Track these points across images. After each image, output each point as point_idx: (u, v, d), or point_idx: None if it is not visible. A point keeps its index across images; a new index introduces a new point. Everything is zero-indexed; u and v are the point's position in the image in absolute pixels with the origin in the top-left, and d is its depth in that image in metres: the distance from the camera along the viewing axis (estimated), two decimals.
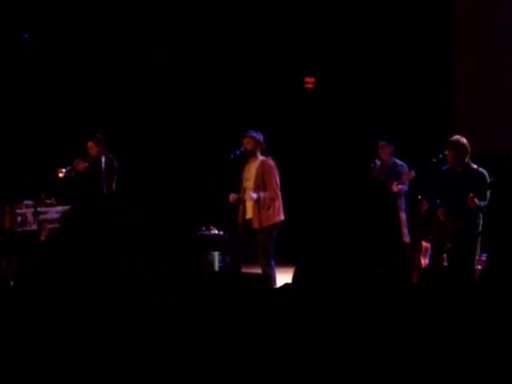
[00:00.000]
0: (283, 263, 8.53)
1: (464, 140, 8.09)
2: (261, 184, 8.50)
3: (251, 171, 8.60)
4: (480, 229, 8.05)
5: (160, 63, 12.07)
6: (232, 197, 8.64)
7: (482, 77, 10.68)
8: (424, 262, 8.72)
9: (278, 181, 8.58)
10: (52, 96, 11.53)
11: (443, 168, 8.23)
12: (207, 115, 11.73)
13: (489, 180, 8.01)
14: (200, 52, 11.93)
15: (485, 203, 7.91)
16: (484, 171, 8.06)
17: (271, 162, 8.58)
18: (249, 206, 8.56)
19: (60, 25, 11.60)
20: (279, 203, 8.59)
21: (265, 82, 11.68)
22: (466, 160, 8.08)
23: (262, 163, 8.55)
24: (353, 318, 4.11)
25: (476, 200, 7.81)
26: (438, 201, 8.22)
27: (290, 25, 11.66)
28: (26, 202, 9.36)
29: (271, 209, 8.50)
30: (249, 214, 8.56)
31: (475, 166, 8.09)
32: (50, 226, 9.35)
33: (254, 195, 8.48)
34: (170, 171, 11.58)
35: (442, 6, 10.95)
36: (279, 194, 8.58)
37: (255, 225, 8.48)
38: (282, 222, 8.62)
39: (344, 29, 11.43)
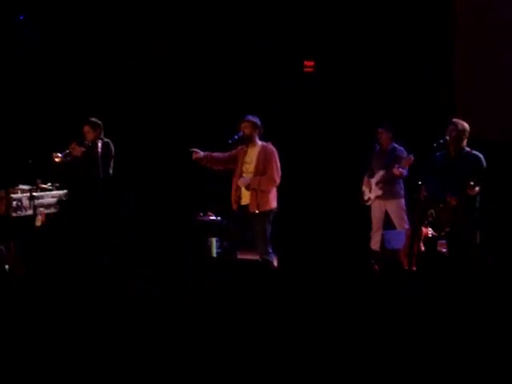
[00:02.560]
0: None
1: (466, 124, 8.14)
2: (262, 169, 8.40)
3: (251, 155, 8.49)
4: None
5: (160, 61, 12.01)
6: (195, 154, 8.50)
7: (482, 75, 10.65)
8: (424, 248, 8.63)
9: (279, 167, 8.47)
10: (49, 83, 11.49)
11: (438, 154, 8.21)
12: (206, 107, 11.68)
13: (484, 162, 7.99)
14: (200, 50, 11.88)
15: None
16: (479, 154, 8.06)
17: (272, 147, 8.49)
18: (244, 190, 8.45)
19: (60, 17, 11.57)
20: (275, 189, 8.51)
21: (264, 74, 11.65)
22: (463, 144, 8.07)
23: (264, 148, 8.45)
24: (351, 308, 4.10)
25: (476, 188, 7.79)
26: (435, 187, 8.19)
27: (291, 19, 11.63)
28: (21, 186, 9.26)
29: (269, 194, 8.39)
30: (245, 200, 8.44)
31: (468, 149, 8.09)
32: (46, 211, 9.27)
33: (244, 180, 8.40)
34: (167, 157, 11.52)
35: (443, 4, 10.91)
36: (278, 180, 8.46)
37: (252, 208, 8.35)
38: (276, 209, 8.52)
39: (345, 26, 11.38)
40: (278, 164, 8.44)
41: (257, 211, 8.33)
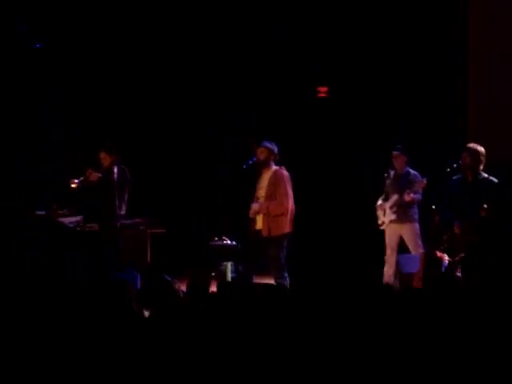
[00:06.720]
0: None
1: (482, 148, 8.05)
2: (272, 193, 8.49)
3: (264, 180, 8.62)
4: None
5: (160, 55, 11.88)
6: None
7: (496, 86, 10.62)
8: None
9: (291, 191, 8.54)
10: (64, 107, 11.47)
11: (454, 178, 8.16)
12: (218, 120, 11.67)
13: (501, 189, 7.92)
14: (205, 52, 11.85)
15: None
16: (495, 180, 7.97)
17: (284, 171, 8.59)
18: (258, 216, 8.55)
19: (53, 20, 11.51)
20: (291, 214, 8.55)
21: (278, 89, 11.65)
22: (479, 169, 8.01)
23: (275, 173, 8.56)
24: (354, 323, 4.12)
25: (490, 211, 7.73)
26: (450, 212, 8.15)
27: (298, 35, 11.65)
28: (38, 212, 9.34)
29: (281, 218, 8.45)
30: (259, 225, 8.56)
31: (486, 175, 8.00)
32: None
33: (256, 205, 8.51)
34: (183, 182, 11.53)
35: (456, 31, 10.94)
36: (291, 203, 8.53)
37: (264, 233, 8.45)
38: (290, 233, 8.56)
39: (355, 39, 11.39)
40: (289, 189, 8.52)
41: (269, 236, 8.41)
